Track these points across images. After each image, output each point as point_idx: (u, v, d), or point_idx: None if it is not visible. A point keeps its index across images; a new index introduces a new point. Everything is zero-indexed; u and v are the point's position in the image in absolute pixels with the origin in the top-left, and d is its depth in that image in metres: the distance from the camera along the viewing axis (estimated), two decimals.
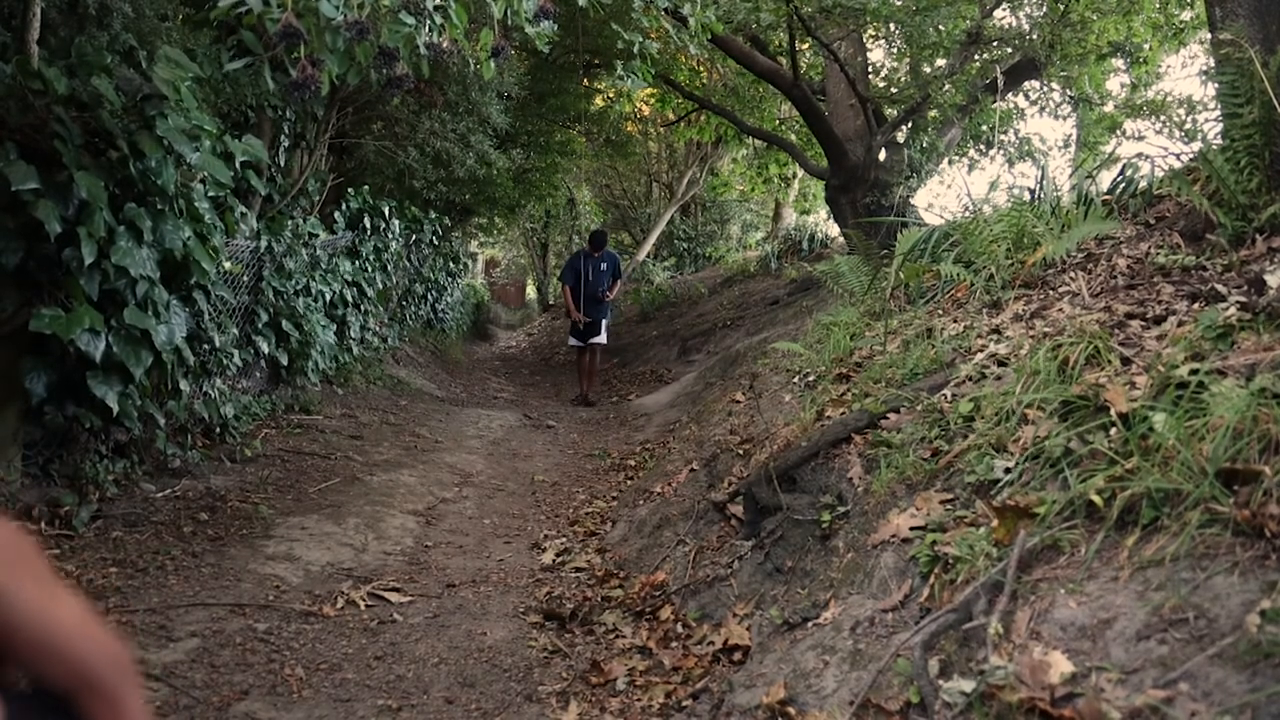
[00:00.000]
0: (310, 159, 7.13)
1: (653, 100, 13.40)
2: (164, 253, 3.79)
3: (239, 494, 4.22)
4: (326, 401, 6.40)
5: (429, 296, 11.43)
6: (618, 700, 2.57)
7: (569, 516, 4.72)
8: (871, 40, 10.26)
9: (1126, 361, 2.39)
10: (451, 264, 12.58)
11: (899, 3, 8.00)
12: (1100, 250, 3.68)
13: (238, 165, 4.43)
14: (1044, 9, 8.30)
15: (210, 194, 4.22)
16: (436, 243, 10.94)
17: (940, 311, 4.20)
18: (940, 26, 8.32)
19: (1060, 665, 1.52)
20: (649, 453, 6.06)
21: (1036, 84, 9.79)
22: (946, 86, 7.75)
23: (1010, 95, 9.72)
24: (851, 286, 5.63)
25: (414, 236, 9.91)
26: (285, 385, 6.16)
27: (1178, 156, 4.51)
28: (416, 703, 2.56)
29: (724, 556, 3.27)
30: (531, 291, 26.92)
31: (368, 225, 7.97)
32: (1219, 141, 3.22)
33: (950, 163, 10.15)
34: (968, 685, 1.63)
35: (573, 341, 9.21)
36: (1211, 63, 4.07)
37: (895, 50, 10.33)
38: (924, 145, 8.54)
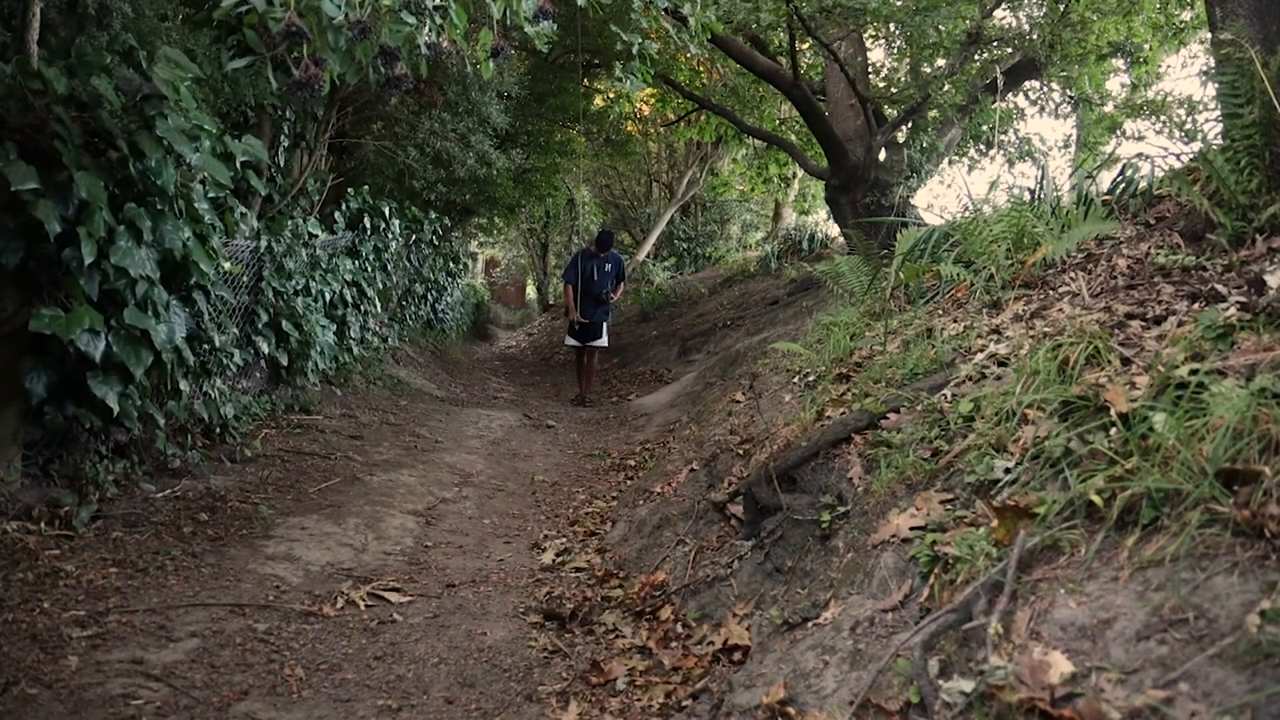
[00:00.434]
0: (310, 159, 7.13)
1: (653, 100, 13.40)
2: (164, 253, 3.79)
3: (239, 494, 4.22)
4: (326, 401, 6.40)
5: (429, 296, 11.42)
6: (618, 700, 2.57)
7: (569, 516, 4.72)
8: (871, 40, 10.26)
9: (1126, 361, 2.39)
10: (451, 264, 12.58)
11: (899, 3, 8.00)
12: (1100, 250, 3.68)
13: (238, 165, 4.43)
14: (1044, 9, 8.30)
15: (210, 194, 4.22)
16: (436, 243, 10.94)
17: (940, 311, 4.20)
18: (940, 26, 8.32)
19: (1060, 665, 1.52)
20: (649, 453, 6.06)
21: (1036, 84, 9.80)
22: (946, 86, 7.76)
23: (1010, 95, 9.72)
24: (851, 286, 5.63)
25: (414, 236, 9.91)
26: (285, 385, 6.16)
27: (1178, 157, 4.51)
28: (416, 703, 2.56)
29: (724, 556, 3.27)
30: (531, 291, 26.93)
31: (367, 225, 7.97)
32: (1219, 142, 3.22)
33: (950, 163, 10.15)
34: (968, 685, 1.63)
35: (570, 342, 9.16)
36: (1211, 63, 4.08)
37: (895, 50, 10.33)
38: (924, 145, 8.54)
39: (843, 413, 3.38)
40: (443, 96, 7.49)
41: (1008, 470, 2.25)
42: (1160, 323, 2.62)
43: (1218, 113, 3.52)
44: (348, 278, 7.27)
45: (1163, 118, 7.95)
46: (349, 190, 7.89)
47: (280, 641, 2.85)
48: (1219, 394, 1.88)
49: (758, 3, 7.50)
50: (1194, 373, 2.01)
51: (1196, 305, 2.60)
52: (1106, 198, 4.40)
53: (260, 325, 5.64)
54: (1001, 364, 2.90)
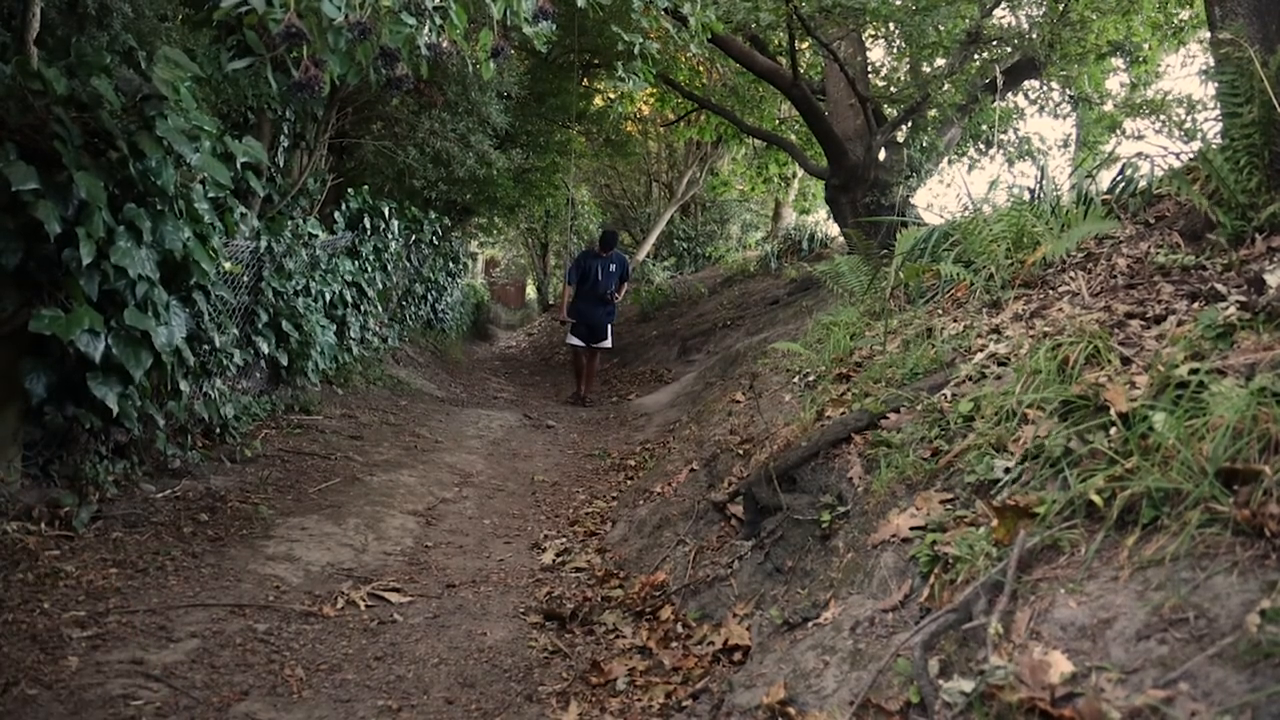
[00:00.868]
0: (310, 159, 7.13)
1: (652, 100, 13.40)
2: (164, 253, 3.79)
3: (239, 494, 4.22)
4: (326, 402, 6.40)
5: (429, 296, 11.42)
6: (618, 700, 2.58)
7: (569, 516, 4.72)
8: (871, 40, 10.25)
9: (1126, 361, 2.39)
10: (451, 264, 12.58)
11: (899, 2, 8.00)
12: (1100, 250, 3.68)
13: (238, 166, 4.43)
14: (1043, 8, 8.30)
15: (210, 194, 4.22)
16: (436, 243, 10.94)
17: (940, 311, 4.20)
18: (940, 26, 8.31)
19: (1060, 665, 1.52)
20: (649, 453, 6.06)
21: (1036, 83, 9.79)
22: (946, 86, 7.76)
23: (1010, 95, 9.72)
24: (851, 286, 5.63)
25: (414, 237, 9.90)
26: (285, 385, 6.16)
27: (1177, 156, 4.51)
28: (416, 703, 2.56)
29: (724, 556, 3.27)
30: (531, 291, 26.93)
31: (367, 225, 7.96)
32: (1218, 141, 3.22)
33: (950, 162, 10.14)
34: (968, 685, 1.63)
35: (572, 341, 9.10)
36: (1211, 62, 4.07)
37: (895, 50, 10.32)
38: (924, 145, 8.53)
39: (843, 412, 3.38)
40: (443, 96, 7.49)
41: (1008, 470, 2.25)
42: (1160, 322, 2.62)
43: (1217, 112, 3.52)
44: (348, 278, 7.27)
45: (1162, 117, 7.95)
46: (349, 190, 7.89)
47: (280, 642, 2.85)
48: (1219, 393, 1.88)
49: (757, 2, 7.50)
50: (1194, 372, 2.01)
51: (1196, 304, 2.60)
52: (1106, 197, 4.40)
53: (260, 325, 5.64)
54: (1001, 363, 2.90)
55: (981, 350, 3.11)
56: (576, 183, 17.74)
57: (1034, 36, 7.69)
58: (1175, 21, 9.14)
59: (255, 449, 4.87)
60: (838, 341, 4.57)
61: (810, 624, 2.37)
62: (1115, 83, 10.56)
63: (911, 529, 2.32)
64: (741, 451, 4.14)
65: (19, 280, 3.35)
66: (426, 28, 3.16)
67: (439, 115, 7.87)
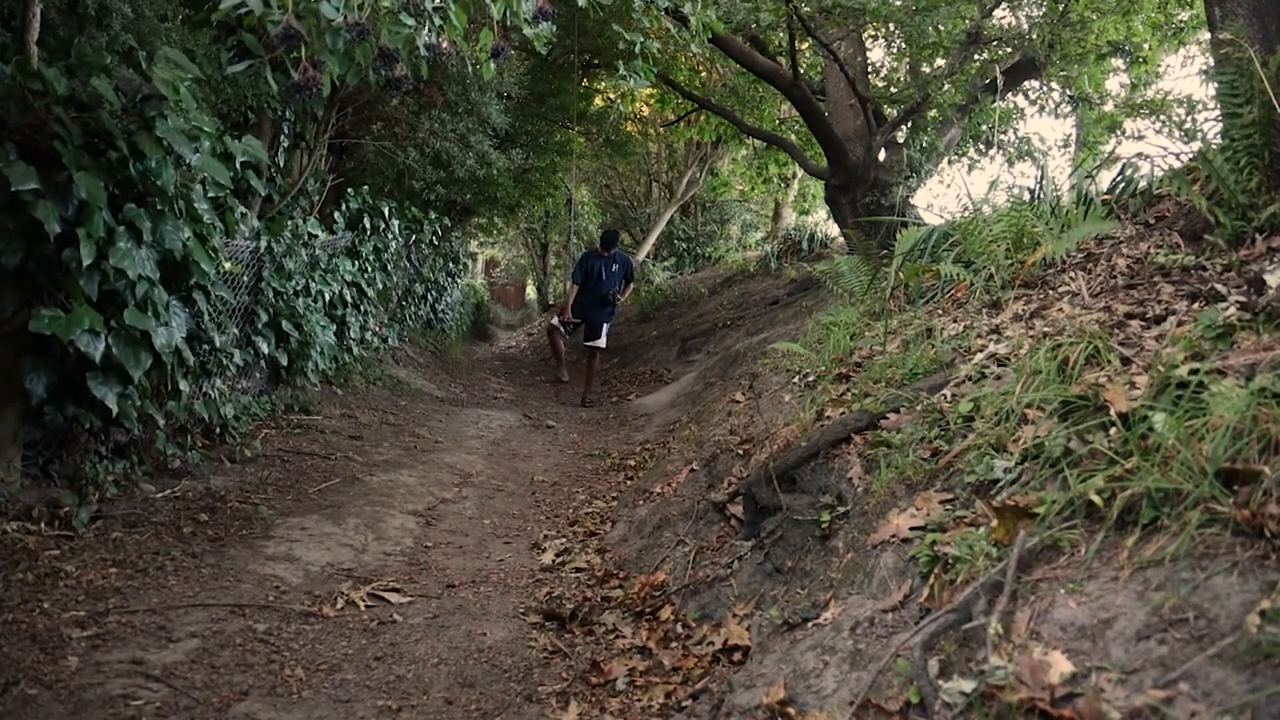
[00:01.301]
0: (310, 159, 7.13)
1: (652, 100, 13.40)
2: (164, 253, 3.79)
3: (239, 494, 4.22)
4: (326, 402, 6.40)
5: (429, 297, 11.42)
6: (617, 700, 2.57)
7: (569, 517, 4.72)
8: (871, 40, 10.25)
9: (1126, 361, 2.39)
10: (451, 264, 12.57)
11: (899, 3, 8.01)
12: (1100, 250, 3.68)
13: (237, 166, 4.43)
14: (1043, 9, 8.31)
15: (210, 194, 4.22)
16: (436, 243, 10.94)
17: (940, 311, 4.20)
18: (940, 26, 8.32)
19: (1060, 665, 1.52)
20: (649, 453, 6.06)
21: (1036, 84, 9.80)
22: (946, 86, 7.76)
23: (1010, 95, 9.72)
24: (851, 286, 5.63)
25: (414, 237, 9.90)
26: (285, 385, 6.16)
27: (1177, 156, 4.51)
28: (416, 703, 2.56)
29: (724, 557, 3.27)
30: (531, 291, 26.93)
31: (367, 225, 7.96)
32: (1218, 141, 3.22)
33: (950, 162, 10.15)
34: (968, 685, 1.63)
35: (553, 321, 9.04)
36: (1211, 62, 4.07)
37: (895, 50, 10.34)
38: (924, 145, 8.54)
39: (842, 413, 3.38)
40: (443, 97, 7.49)
41: (1007, 470, 2.25)
42: (1160, 322, 2.62)
43: (1217, 112, 3.52)
44: (347, 278, 7.26)
45: (1162, 117, 7.95)
46: (349, 190, 7.89)
47: (280, 642, 2.85)
48: (1219, 394, 1.88)
49: (758, 3, 7.50)
50: (1194, 372, 2.01)
51: (1196, 305, 2.60)
52: (1106, 197, 4.40)
53: (260, 325, 5.64)
54: (1001, 364, 2.90)
55: (981, 350, 3.11)
56: (576, 183, 17.75)
57: (1034, 37, 7.69)
58: (1175, 22, 9.14)
59: (255, 449, 4.87)
60: (837, 342, 4.57)
61: (810, 624, 2.37)
62: (1115, 83, 10.57)
63: (911, 529, 2.32)
64: (741, 452, 4.13)
65: (19, 280, 3.35)
66: (426, 28, 3.16)
67: (439, 115, 7.87)
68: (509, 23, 3.43)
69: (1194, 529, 1.63)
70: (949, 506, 2.32)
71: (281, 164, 6.64)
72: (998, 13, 8.59)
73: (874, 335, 4.31)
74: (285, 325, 5.87)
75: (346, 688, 2.61)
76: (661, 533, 3.90)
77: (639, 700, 2.55)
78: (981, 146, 10.67)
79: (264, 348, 5.65)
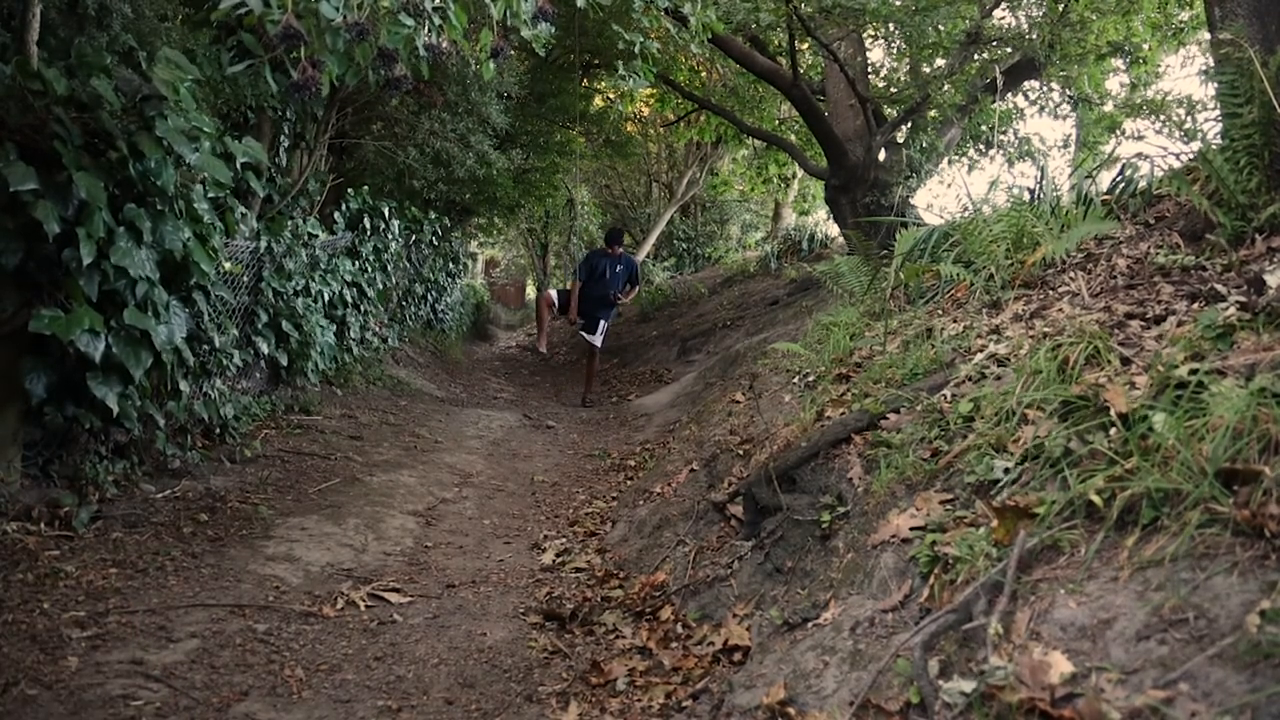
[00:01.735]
0: (310, 159, 7.12)
1: (652, 100, 13.40)
2: (164, 253, 3.79)
3: (239, 495, 4.22)
4: (326, 402, 6.40)
5: (429, 297, 11.42)
6: (618, 701, 2.57)
7: (569, 517, 4.72)
8: (871, 40, 10.25)
9: (1126, 361, 2.39)
10: (451, 264, 12.57)
11: (899, 3, 8.01)
12: (1100, 250, 3.68)
13: (237, 166, 4.43)
14: (1043, 9, 8.31)
15: (210, 195, 4.22)
16: (436, 243, 10.94)
17: (940, 311, 4.20)
18: (940, 26, 8.33)
19: (1060, 665, 1.52)
20: (649, 453, 6.06)
21: (1036, 84, 9.80)
22: (946, 86, 7.76)
23: (1010, 95, 9.73)
24: (851, 287, 5.63)
25: (414, 237, 9.90)
26: (285, 386, 6.16)
27: (1177, 156, 4.51)
28: (416, 703, 2.56)
29: (724, 557, 3.27)
30: (531, 292, 26.92)
31: (367, 226, 7.96)
32: (1218, 141, 3.22)
33: (950, 163, 10.15)
34: (968, 685, 1.63)
35: (550, 294, 8.95)
36: (1211, 62, 4.07)
37: (895, 50, 10.34)
38: (923, 145, 8.54)
39: (842, 413, 3.38)
40: (442, 97, 7.49)
41: (1007, 470, 2.24)
42: (1160, 322, 2.62)
43: (1217, 112, 3.52)
44: (347, 278, 7.26)
45: (1162, 117, 7.96)
46: (349, 191, 7.89)
47: (280, 642, 2.85)
48: (1219, 394, 1.88)
49: (757, 3, 7.50)
50: (1194, 372, 2.01)
51: (1196, 305, 2.60)
52: (1106, 197, 4.40)
53: (260, 326, 5.64)
54: (1001, 364, 2.90)
55: (981, 351, 3.11)
56: (576, 183, 17.76)
57: (1034, 37, 7.70)
58: (1175, 22, 9.15)
59: (255, 449, 4.87)
60: (837, 342, 4.57)
61: (810, 624, 2.37)
62: (1115, 83, 10.58)
63: (911, 529, 2.32)
64: (741, 452, 4.13)
65: (19, 280, 3.35)
66: (425, 28, 3.16)
67: (439, 115, 7.87)
68: (509, 23, 3.43)
69: (1194, 529, 1.63)
70: (949, 507, 2.32)
71: (281, 164, 6.64)
72: (997, 13, 8.59)
73: (874, 335, 4.31)
74: (285, 325, 5.87)
75: (346, 688, 2.61)
76: (661, 533, 3.90)
77: (639, 700, 2.55)
78: (981, 147, 10.67)
79: (264, 348, 5.65)
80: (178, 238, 3.82)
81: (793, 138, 12.20)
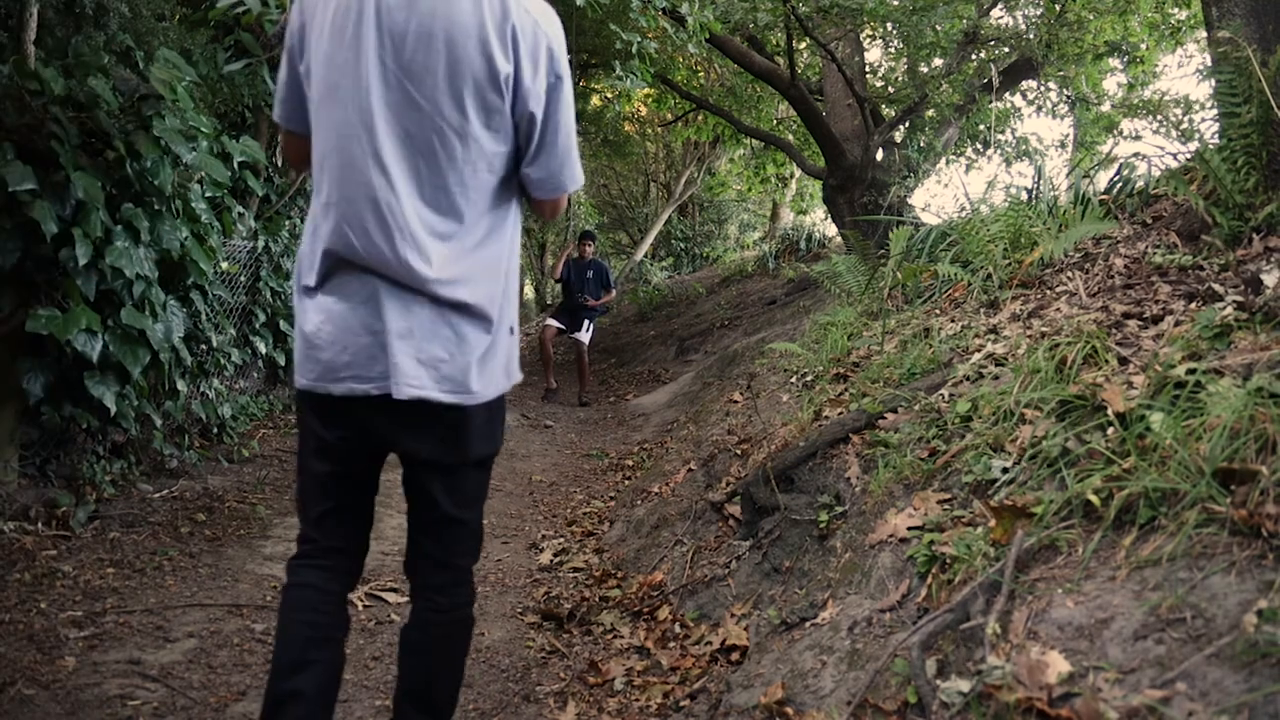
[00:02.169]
0: None
1: (650, 100, 13.40)
2: (161, 253, 3.79)
3: (236, 494, 4.21)
4: None
5: None
6: (615, 700, 2.57)
7: (567, 516, 4.71)
8: (869, 40, 10.27)
9: (1124, 361, 2.39)
10: None
11: (896, 2, 8.01)
12: (1097, 250, 3.68)
13: (235, 165, 4.42)
14: (1040, 9, 8.32)
15: (207, 194, 4.21)
16: None
17: (938, 311, 4.20)
18: (937, 26, 8.33)
19: (1058, 665, 1.52)
20: (647, 453, 6.06)
21: (1033, 84, 9.82)
22: (944, 86, 7.77)
23: (1007, 95, 9.74)
24: (849, 286, 5.63)
25: None
26: (283, 385, 6.15)
27: (1175, 156, 4.52)
28: None
29: (722, 556, 3.27)
30: (530, 292, 26.90)
31: None
32: (1216, 141, 3.22)
33: (948, 162, 10.17)
34: (965, 685, 1.63)
35: (550, 322, 9.06)
36: (1208, 62, 4.08)
37: (892, 50, 10.35)
38: (921, 145, 8.55)
39: (840, 413, 3.39)
40: None
41: (1005, 470, 2.25)
42: (1157, 322, 2.62)
43: (1214, 112, 3.53)
44: None
45: (1159, 117, 7.98)
46: None
47: None
48: (1216, 393, 1.88)
49: (755, 2, 7.51)
50: (1191, 372, 2.01)
51: (1193, 305, 2.60)
52: (1103, 197, 4.40)
53: (258, 325, 5.63)
54: (999, 364, 2.90)
55: (979, 350, 3.12)
56: None
57: (1031, 37, 7.71)
58: (1172, 22, 9.16)
59: (253, 449, 4.86)
60: (835, 342, 4.58)
61: (808, 624, 2.37)
62: (1112, 83, 10.60)
63: (909, 529, 2.32)
64: (739, 451, 4.14)
65: (16, 280, 3.35)
66: None
67: None
68: None
69: (1191, 529, 1.63)
70: (947, 506, 2.32)
71: (279, 163, 6.63)
72: (995, 12, 8.61)
73: (871, 335, 4.32)
74: (283, 325, 5.86)
75: (344, 688, 2.60)
76: (659, 533, 3.90)
77: (637, 700, 2.55)
78: (979, 146, 10.68)
79: (262, 347, 5.64)
80: (175, 237, 3.82)
81: (790, 137, 12.21)
